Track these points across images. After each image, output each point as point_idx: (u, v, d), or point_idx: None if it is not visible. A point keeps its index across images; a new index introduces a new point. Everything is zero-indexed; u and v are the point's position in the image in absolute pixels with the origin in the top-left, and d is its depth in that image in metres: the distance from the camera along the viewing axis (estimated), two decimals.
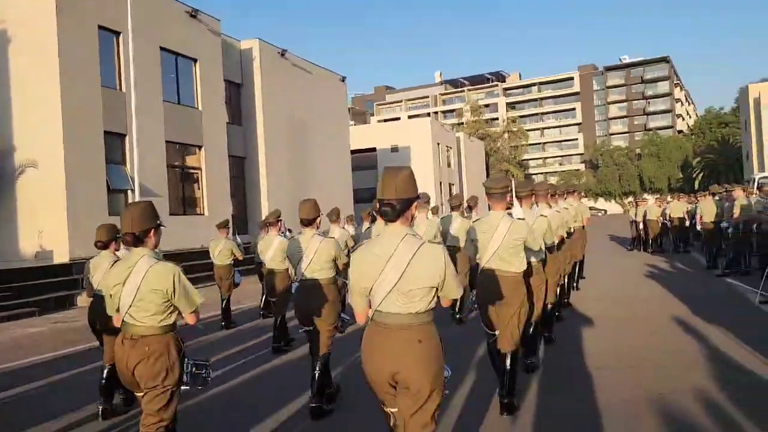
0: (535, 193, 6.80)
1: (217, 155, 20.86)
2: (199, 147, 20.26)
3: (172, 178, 19.31)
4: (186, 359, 3.48)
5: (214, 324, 10.05)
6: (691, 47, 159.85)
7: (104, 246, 5.42)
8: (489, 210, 5.03)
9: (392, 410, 2.89)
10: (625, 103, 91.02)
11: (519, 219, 5.04)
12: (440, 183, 43.76)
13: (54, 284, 13.95)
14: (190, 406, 5.48)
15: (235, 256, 10.23)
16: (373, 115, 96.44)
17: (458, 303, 7.78)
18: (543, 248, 5.80)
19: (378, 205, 2.88)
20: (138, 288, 3.28)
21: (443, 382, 2.87)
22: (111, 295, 3.43)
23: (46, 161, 15.47)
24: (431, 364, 2.78)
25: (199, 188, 20.40)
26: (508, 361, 4.76)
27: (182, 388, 3.53)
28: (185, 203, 19.95)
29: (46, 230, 15.40)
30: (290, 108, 25.28)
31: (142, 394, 3.38)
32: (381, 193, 2.84)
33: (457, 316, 8.64)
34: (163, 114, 18.47)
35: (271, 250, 7.90)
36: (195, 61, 20.21)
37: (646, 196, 53.62)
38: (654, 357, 6.45)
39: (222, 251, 10.22)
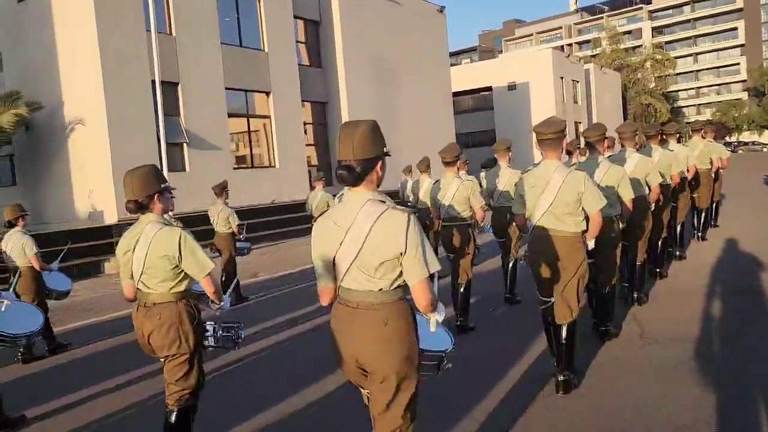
0: (621, 136, 6.26)
1: (288, 101, 19.12)
2: (267, 93, 18.63)
3: (235, 128, 17.94)
4: (212, 324, 3.52)
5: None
6: None
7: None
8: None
9: (366, 391, 2.57)
10: None
11: (577, 170, 4.31)
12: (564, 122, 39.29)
13: (86, 249, 12.89)
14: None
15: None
16: (501, 52, 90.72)
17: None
18: (622, 201, 5.27)
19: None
20: (146, 255, 3.18)
21: (417, 374, 2.50)
22: (122, 264, 3.36)
23: (91, 117, 14.59)
24: (398, 347, 2.41)
25: (267, 138, 18.89)
26: (563, 334, 4.21)
27: (211, 348, 3.57)
28: (252, 155, 18.57)
29: (96, 190, 14.67)
30: (376, 46, 22.84)
31: (163, 360, 3.32)
32: (338, 153, 2.45)
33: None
34: (221, 58, 16.96)
35: (450, 192, 6.06)
36: None
37: None
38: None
39: (319, 204, 10.37)
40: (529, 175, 4.41)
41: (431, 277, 2.46)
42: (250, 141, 18.50)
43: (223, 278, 8.04)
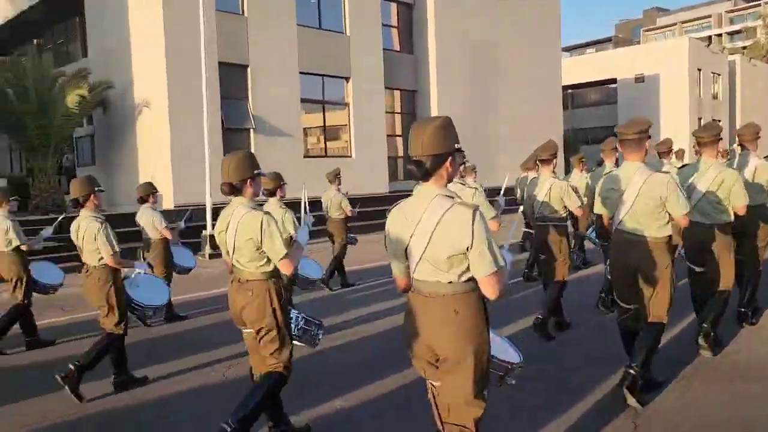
0: (740, 138, 5.86)
1: (370, 88, 17.93)
2: (346, 78, 17.56)
3: (308, 115, 17.05)
4: (297, 312, 4.02)
5: None
6: None
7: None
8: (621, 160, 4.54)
9: (435, 383, 2.61)
10: None
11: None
12: (699, 119, 34.95)
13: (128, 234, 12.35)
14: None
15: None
16: (639, 43, 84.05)
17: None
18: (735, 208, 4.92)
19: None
20: (235, 236, 3.44)
21: (487, 360, 2.58)
22: (220, 242, 3.64)
23: (155, 99, 14.27)
24: (468, 336, 2.49)
25: (344, 127, 17.83)
26: (650, 335, 4.02)
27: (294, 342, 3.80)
28: (326, 144, 17.60)
29: (157, 173, 14.34)
30: (476, 32, 21.02)
31: (251, 333, 3.55)
32: (409, 149, 2.55)
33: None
34: (296, 40, 16.09)
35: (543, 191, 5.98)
36: None
37: None
38: None
39: None
40: (611, 176, 4.29)
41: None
42: (325, 129, 17.53)
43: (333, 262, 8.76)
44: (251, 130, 15.32)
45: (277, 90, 15.67)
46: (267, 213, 3.49)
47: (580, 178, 8.57)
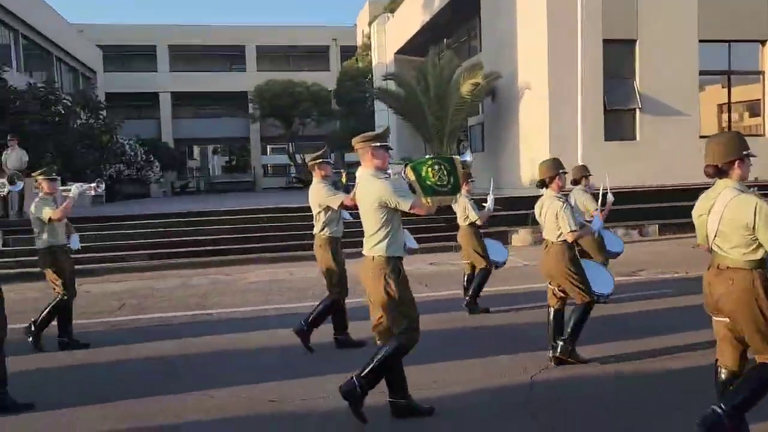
0: None
1: None
2: (762, 42, 14.63)
3: (708, 88, 14.82)
4: None
5: None
6: None
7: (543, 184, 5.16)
8: None
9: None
10: None
11: None
12: None
13: (509, 218, 12.56)
14: None
15: None
16: None
17: None
18: None
19: None
20: (720, 219, 3.30)
21: None
22: (697, 226, 3.57)
23: (536, 84, 14.38)
24: None
25: (758, 100, 14.91)
26: None
27: None
28: (730, 121, 15.02)
29: (536, 159, 14.49)
30: None
31: (722, 321, 3.42)
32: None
33: None
34: (696, 4, 14.11)
35: None
36: None
37: None
38: None
39: None
40: None
41: None
42: (729, 104, 14.99)
43: None
44: (636, 111, 14.14)
45: (670, 64, 14.04)
46: (762, 197, 3.27)
47: None
